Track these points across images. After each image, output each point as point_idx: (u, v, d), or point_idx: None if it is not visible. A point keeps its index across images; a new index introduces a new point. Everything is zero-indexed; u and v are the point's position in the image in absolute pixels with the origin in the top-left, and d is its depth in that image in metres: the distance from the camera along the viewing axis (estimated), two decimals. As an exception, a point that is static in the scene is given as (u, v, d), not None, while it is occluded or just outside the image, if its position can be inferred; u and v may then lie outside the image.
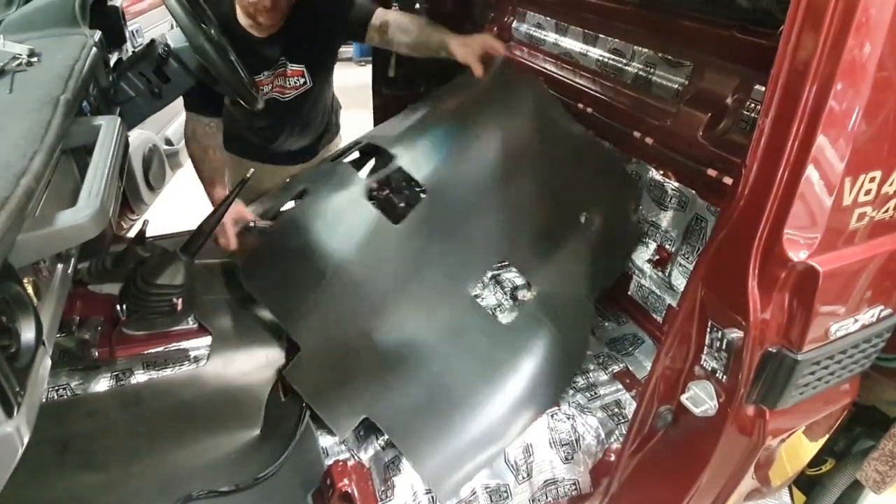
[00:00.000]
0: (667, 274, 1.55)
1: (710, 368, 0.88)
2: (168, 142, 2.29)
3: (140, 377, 1.30)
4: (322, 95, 1.86)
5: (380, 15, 1.65)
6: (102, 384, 1.27)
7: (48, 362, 0.71)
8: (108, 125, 0.89)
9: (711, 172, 1.30)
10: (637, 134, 1.51)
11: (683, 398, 0.91)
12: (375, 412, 1.23)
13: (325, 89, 1.87)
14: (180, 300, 1.34)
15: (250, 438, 1.28)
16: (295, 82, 1.71)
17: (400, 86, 2.31)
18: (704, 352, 0.88)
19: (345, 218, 1.47)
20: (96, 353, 1.28)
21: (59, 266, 0.85)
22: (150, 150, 2.05)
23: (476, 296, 1.42)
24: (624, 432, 1.30)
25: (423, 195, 1.50)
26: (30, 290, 0.70)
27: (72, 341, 1.29)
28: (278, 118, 1.78)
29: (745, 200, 0.77)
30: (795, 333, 0.80)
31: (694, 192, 1.40)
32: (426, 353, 1.31)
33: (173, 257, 1.37)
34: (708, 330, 0.87)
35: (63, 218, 0.67)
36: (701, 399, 0.89)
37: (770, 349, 0.81)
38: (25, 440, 0.63)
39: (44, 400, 1.24)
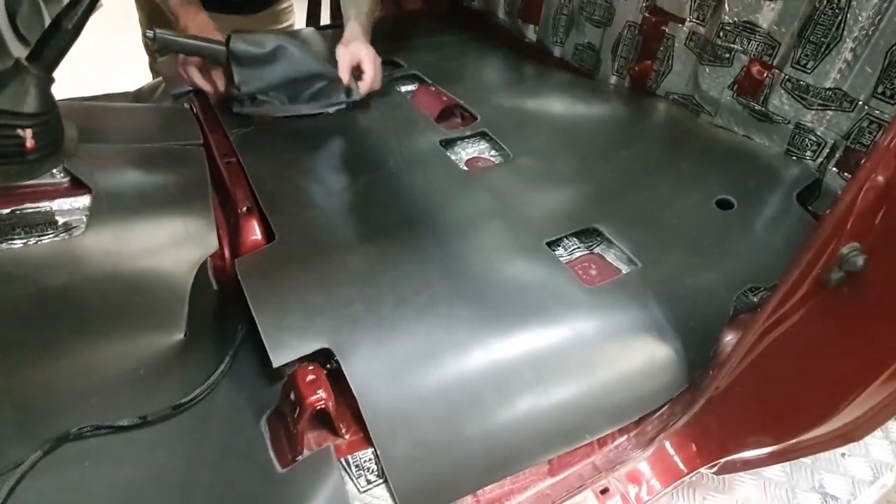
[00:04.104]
0: (760, 100, 1.10)
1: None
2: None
3: (-24, 252, 0.84)
4: None
5: None
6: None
7: None
8: None
9: None
10: None
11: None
12: (344, 349, 0.77)
13: None
14: (29, 132, 0.85)
15: (168, 346, 0.85)
16: None
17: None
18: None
19: (403, 129, 1.27)
20: None
21: None
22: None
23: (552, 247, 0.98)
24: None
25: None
26: None
27: None
28: None
29: None
30: None
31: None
32: (461, 297, 0.84)
33: (17, 69, 0.87)
34: None
35: None
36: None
37: None
38: None
39: None
